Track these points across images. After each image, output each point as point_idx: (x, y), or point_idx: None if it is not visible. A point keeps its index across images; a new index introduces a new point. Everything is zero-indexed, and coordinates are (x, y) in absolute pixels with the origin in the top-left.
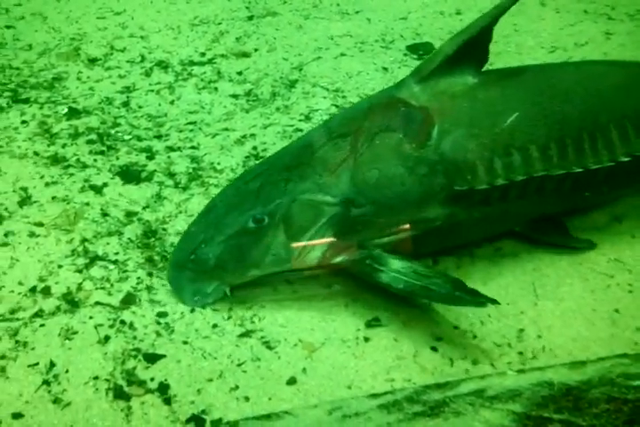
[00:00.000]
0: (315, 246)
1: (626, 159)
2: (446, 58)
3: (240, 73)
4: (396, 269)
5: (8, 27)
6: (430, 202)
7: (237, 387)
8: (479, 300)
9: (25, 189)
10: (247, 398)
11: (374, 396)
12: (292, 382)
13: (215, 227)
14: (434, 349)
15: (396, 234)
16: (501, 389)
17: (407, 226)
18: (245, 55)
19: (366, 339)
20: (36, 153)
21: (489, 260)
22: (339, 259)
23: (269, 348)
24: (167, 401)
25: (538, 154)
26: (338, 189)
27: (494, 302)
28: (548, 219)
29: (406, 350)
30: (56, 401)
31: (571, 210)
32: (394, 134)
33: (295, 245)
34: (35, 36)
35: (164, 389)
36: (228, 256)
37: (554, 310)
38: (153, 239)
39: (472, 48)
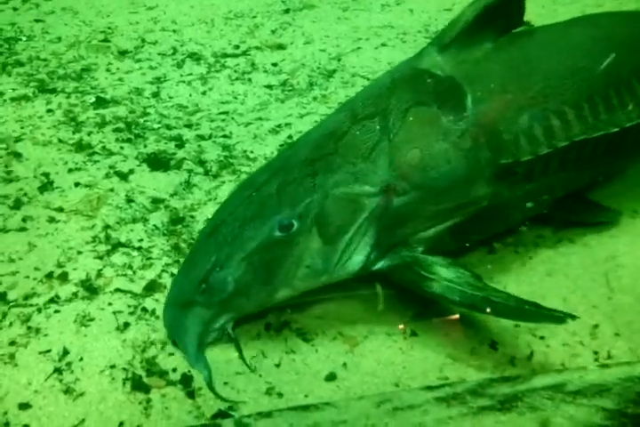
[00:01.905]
0: (357, 249)
1: None
2: (467, 24)
3: (275, 64)
4: (447, 277)
5: (37, 20)
6: (477, 180)
7: (269, 382)
8: (555, 314)
9: (47, 175)
10: (280, 395)
11: (429, 388)
12: (331, 377)
13: (231, 244)
14: (492, 346)
15: (441, 223)
16: (583, 384)
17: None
18: (281, 47)
19: (414, 333)
20: (60, 140)
21: (552, 249)
22: (381, 264)
23: (306, 340)
24: (191, 395)
25: (573, 116)
26: (376, 176)
27: (572, 316)
28: (574, 197)
29: (461, 346)
30: (67, 391)
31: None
32: (427, 108)
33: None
34: (64, 29)
35: (187, 381)
36: (251, 277)
37: (633, 305)
38: (180, 226)
39: (494, 13)
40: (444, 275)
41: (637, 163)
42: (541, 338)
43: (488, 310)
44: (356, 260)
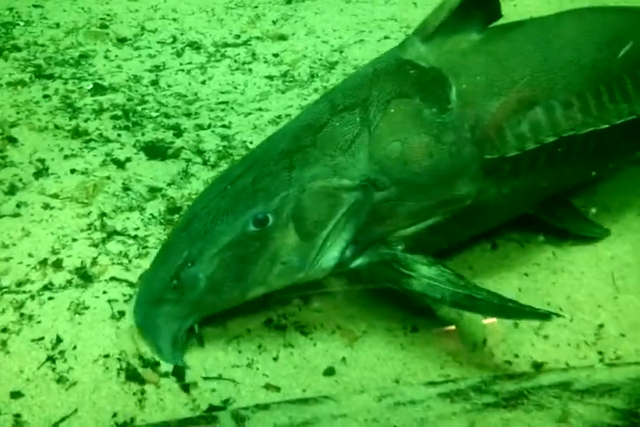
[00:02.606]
0: (333, 244)
1: None
2: (451, 13)
3: (276, 55)
4: (427, 274)
5: (36, 6)
6: (461, 176)
7: (267, 375)
8: (539, 311)
9: (42, 161)
10: (278, 389)
11: (432, 384)
12: (329, 372)
13: (203, 238)
14: (495, 344)
15: (422, 221)
16: (591, 382)
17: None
18: (282, 38)
19: (415, 328)
20: (56, 126)
21: (557, 246)
22: (359, 261)
23: (304, 334)
24: (186, 387)
25: (561, 111)
26: (355, 169)
27: (557, 314)
28: (559, 202)
29: (462, 343)
30: (60, 380)
31: (587, 181)
32: (409, 100)
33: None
34: (63, 15)
35: (182, 372)
36: (224, 274)
37: (639, 306)
38: (177, 216)
39: (478, 1)
40: (424, 272)
41: (631, 163)
42: (545, 337)
43: (472, 308)
44: (333, 256)
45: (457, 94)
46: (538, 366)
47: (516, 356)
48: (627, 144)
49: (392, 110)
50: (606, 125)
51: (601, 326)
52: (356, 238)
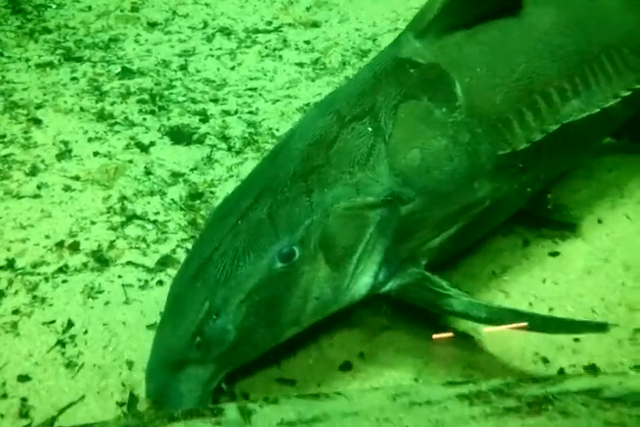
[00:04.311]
0: (364, 269)
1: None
2: (444, 5)
3: (308, 42)
4: (461, 293)
5: None
6: (479, 176)
7: (282, 369)
8: (594, 322)
9: (66, 143)
10: (293, 382)
11: (451, 384)
12: (346, 367)
13: (225, 285)
14: (523, 347)
15: (447, 230)
16: (623, 390)
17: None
18: (315, 25)
19: (440, 327)
20: (82, 109)
21: (591, 244)
22: (390, 284)
23: (322, 327)
24: None
25: (558, 97)
26: (378, 184)
27: (613, 325)
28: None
29: (488, 343)
30: (69, 365)
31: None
32: (417, 102)
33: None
34: None
35: None
36: (254, 321)
37: None
38: (198, 202)
39: None
40: (457, 291)
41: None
42: (576, 340)
43: (519, 324)
44: (366, 282)
45: (462, 89)
46: (566, 370)
47: (544, 359)
48: (607, 127)
49: (402, 115)
50: (597, 110)
51: (637, 330)
52: (386, 259)
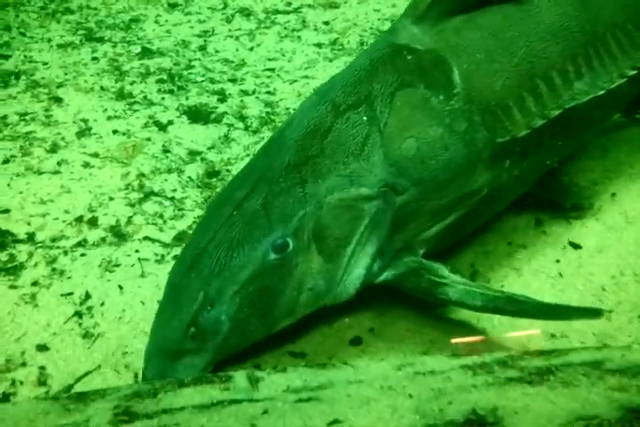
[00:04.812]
0: (358, 261)
1: (632, 73)
2: None
3: (327, 23)
4: (459, 280)
5: None
6: (477, 165)
7: (294, 342)
8: (588, 308)
9: (85, 121)
10: (303, 355)
11: (455, 356)
12: (356, 342)
13: (220, 276)
14: (531, 324)
15: (444, 219)
16: (625, 363)
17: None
18: (334, 6)
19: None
20: (102, 88)
21: (603, 222)
22: (386, 275)
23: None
24: None
25: (560, 81)
26: (372, 175)
27: (607, 311)
28: (550, 176)
29: (496, 318)
30: (86, 336)
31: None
32: (414, 89)
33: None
34: None
35: None
36: (248, 312)
37: None
38: (215, 180)
39: None
40: (455, 278)
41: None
42: None
43: (516, 312)
44: (361, 273)
45: (460, 76)
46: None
47: (553, 335)
48: (613, 106)
49: (398, 103)
50: (602, 91)
51: None
52: (381, 250)
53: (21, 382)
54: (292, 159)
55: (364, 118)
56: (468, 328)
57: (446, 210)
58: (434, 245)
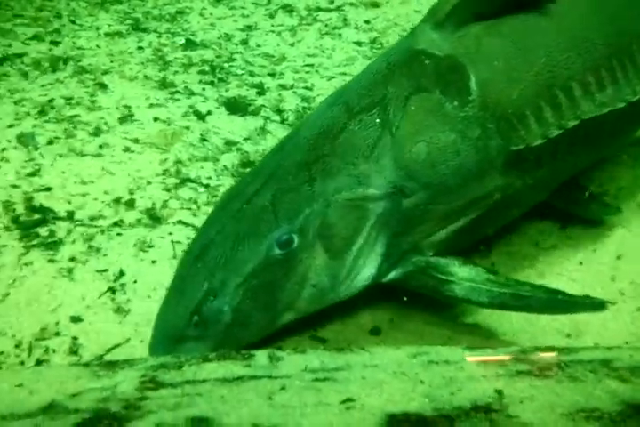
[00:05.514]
0: (366, 261)
1: None
2: None
3: (367, 22)
4: (466, 276)
5: None
6: (488, 171)
7: (315, 329)
8: (593, 301)
9: (128, 108)
10: (324, 340)
11: (470, 349)
12: (375, 332)
13: (224, 268)
14: (548, 321)
15: (453, 223)
16: (634, 362)
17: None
18: (375, 5)
19: None
20: (146, 76)
21: (626, 228)
22: (393, 274)
23: None
24: None
25: (580, 92)
26: (381, 177)
27: (611, 302)
28: (572, 186)
29: (515, 317)
30: (118, 310)
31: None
32: (429, 95)
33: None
34: None
35: None
36: (250, 304)
37: None
38: (249, 169)
39: None
40: (462, 275)
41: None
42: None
43: (522, 308)
44: (366, 274)
45: (477, 83)
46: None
47: (569, 335)
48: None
49: (412, 107)
50: (623, 104)
51: None
52: (387, 251)
53: (54, 351)
54: (304, 158)
55: (377, 121)
56: (486, 328)
57: (455, 214)
58: (443, 248)
